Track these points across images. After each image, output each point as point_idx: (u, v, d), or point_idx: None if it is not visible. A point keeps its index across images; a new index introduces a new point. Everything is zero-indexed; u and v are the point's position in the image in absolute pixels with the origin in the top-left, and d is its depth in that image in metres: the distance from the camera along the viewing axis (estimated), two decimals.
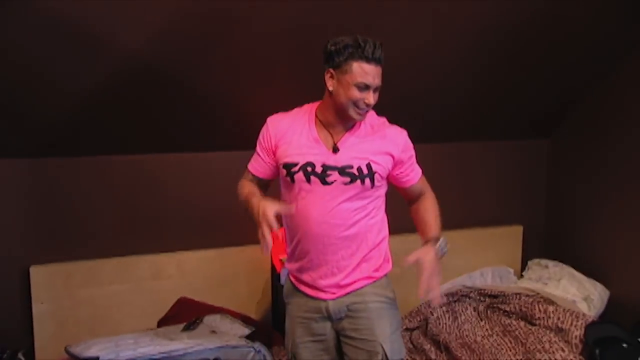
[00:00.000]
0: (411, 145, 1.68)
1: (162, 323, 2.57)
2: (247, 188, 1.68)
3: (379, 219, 1.72)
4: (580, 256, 3.24)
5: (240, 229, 2.68)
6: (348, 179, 1.56)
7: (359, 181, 1.58)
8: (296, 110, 1.68)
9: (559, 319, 2.65)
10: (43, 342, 2.45)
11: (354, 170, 1.56)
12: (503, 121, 3.23)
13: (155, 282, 2.65)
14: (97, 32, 1.91)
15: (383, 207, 1.72)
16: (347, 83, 1.49)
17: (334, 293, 1.66)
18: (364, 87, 1.48)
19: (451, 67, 2.63)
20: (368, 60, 1.47)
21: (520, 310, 2.81)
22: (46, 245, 2.49)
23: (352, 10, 2.13)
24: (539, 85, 3.03)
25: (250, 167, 1.71)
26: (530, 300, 2.84)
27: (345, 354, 1.73)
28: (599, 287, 3.00)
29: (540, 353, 2.43)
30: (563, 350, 2.41)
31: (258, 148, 1.68)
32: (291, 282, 1.77)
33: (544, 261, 3.29)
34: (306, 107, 1.68)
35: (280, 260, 2.63)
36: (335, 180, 1.57)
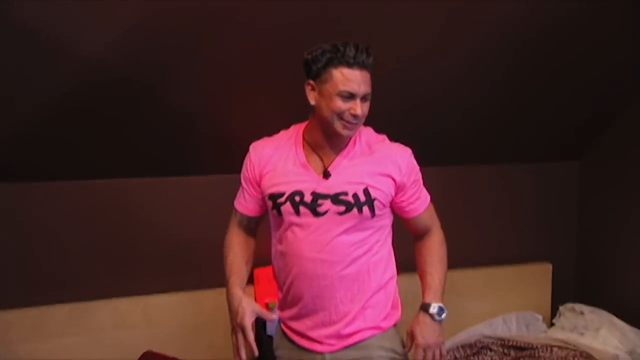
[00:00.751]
0: (417, 167, 1.57)
1: None
2: (230, 251, 1.62)
3: (384, 255, 1.59)
4: (621, 300, 3.01)
5: (218, 267, 2.55)
6: (343, 208, 1.45)
7: (355, 210, 1.45)
8: (282, 133, 1.60)
9: None
10: None
11: (349, 197, 1.45)
12: (525, 140, 3.05)
13: (116, 333, 2.44)
14: (59, 40, 1.73)
15: (389, 240, 1.60)
16: (329, 93, 1.39)
17: (332, 345, 1.54)
18: (348, 96, 1.37)
19: (460, 76, 2.48)
20: (349, 65, 1.36)
21: None
22: None
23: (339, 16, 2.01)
24: (566, 98, 2.84)
25: (236, 204, 1.63)
26: (564, 354, 2.67)
27: None
28: (623, 326, 2.78)
29: None
30: None
31: (242, 180, 1.60)
32: (282, 331, 1.67)
33: (578, 306, 3.04)
34: (292, 128, 1.60)
35: (267, 305, 2.47)
36: (328, 210, 1.45)
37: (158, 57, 1.97)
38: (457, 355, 2.82)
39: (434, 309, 1.51)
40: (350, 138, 1.51)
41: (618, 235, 3.07)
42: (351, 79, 1.37)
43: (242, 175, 1.60)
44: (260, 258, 2.50)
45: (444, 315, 1.52)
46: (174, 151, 2.45)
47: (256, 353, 1.47)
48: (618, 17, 2.29)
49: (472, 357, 2.78)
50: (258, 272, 2.58)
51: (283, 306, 1.66)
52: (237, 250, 1.63)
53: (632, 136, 2.94)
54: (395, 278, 1.63)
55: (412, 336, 1.53)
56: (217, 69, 2.10)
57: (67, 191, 2.40)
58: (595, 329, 2.83)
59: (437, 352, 1.51)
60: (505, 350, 2.80)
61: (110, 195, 2.47)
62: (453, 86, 2.54)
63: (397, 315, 1.63)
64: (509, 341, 2.84)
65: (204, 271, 2.56)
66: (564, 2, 2.16)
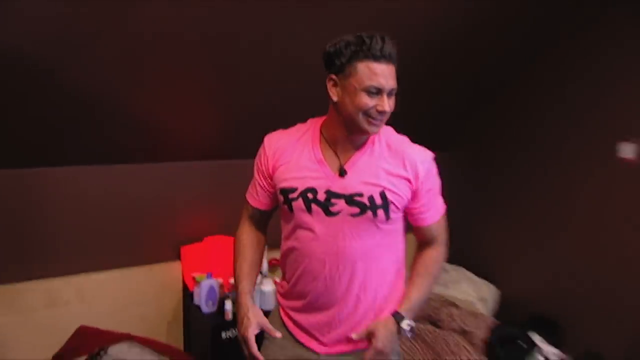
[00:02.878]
0: (436, 174, 1.43)
1: (58, 358, 2.30)
2: (241, 251, 1.52)
3: (396, 260, 1.49)
4: (475, 259, 3.38)
5: (147, 245, 2.65)
6: (357, 210, 1.34)
7: (370, 213, 1.34)
8: (298, 126, 1.47)
9: (462, 321, 2.75)
10: None
11: (365, 199, 1.33)
12: (415, 136, 3.23)
13: (49, 311, 2.39)
14: None
15: (402, 244, 1.49)
16: (354, 88, 1.25)
17: (333, 347, 1.46)
18: (375, 92, 1.25)
19: None
20: (376, 58, 1.23)
21: (428, 315, 2.86)
22: None
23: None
24: (432, 100, 3.07)
25: (248, 196, 1.53)
26: (437, 304, 2.91)
27: None
28: (492, 287, 3.19)
29: (448, 355, 2.50)
30: (468, 352, 2.51)
31: (255, 172, 1.49)
32: (281, 318, 1.54)
33: (445, 265, 3.38)
34: (310, 122, 1.47)
35: (194, 277, 2.56)
36: (341, 211, 1.35)
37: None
38: None
39: (407, 326, 1.39)
40: (370, 136, 1.39)
41: (475, 210, 3.42)
42: (378, 73, 1.24)
43: (255, 167, 1.49)
44: (188, 237, 2.63)
45: (410, 335, 1.43)
46: (98, 139, 2.36)
47: (260, 357, 1.42)
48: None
49: None
50: (184, 249, 2.69)
51: (288, 296, 1.55)
52: (248, 252, 1.53)
53: (485, 133, 3.36)
54: (403, 279, 1.54)
55: (372, 335, 1.39)
56: (125, 55, 1.97)
57: None
58: (458, 282, 3.20)
59: (386, 355, 1.40)
60: None
61: (38, 184, 2.37)
62: None
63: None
64: None
65: (133, 249, 2.61)
66: (445, 18, 2.33)
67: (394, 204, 1.33)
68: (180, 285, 2.69)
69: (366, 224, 1.34)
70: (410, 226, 1.49)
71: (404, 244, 1.47)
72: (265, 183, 1.45)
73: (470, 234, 3.41)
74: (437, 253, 1.48)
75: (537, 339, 2.65)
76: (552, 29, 2.73)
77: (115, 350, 2.24)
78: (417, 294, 1.42)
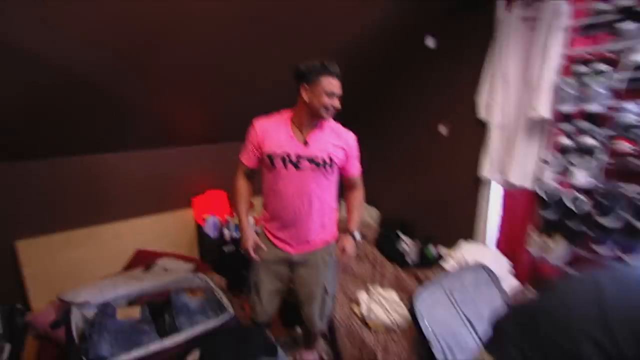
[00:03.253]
0: (357, 146, 1.58)
1: (127, 269, 2.48)
2: (240, 196, 1.59)
3: (334, 198, 1.61)
4: (367, 194, 3.17)
5: (170, 199, 2.75)
6: (315, 166, 1.47)
7: (322, 168, 1.47)
8: (275, 115, 1.54)
9: (362, 229, 2.65)
10: (36, 296, 2.26)
11: (319, 160, 1.46)
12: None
13: (115, 242, 2.54)
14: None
15: (336, 189, 1.61)
16: (319, 92, 1.39)
17: (297, 249, 1.59)
18: (332, 94, 1.40)
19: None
20: (332, 75, 1.39)
21: (342, 227, 3.04)
22: (28, 223, 2.26)
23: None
24: (346, 98, 2.91)
25: (242, 159, 1.57)
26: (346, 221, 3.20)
27: (295, 288, 1.69)
28: (376, 210, 3.36)
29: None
30: (366, 245, 2.71)
31: (248, 143, 1.54)
32: (265, 235, 1.64)
33: None
34: (282, 112, 1.54)
35: (203, 218, 2.71)
36: (305, 167, 1.46)
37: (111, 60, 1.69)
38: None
39: (358, 236, 1.59)
40: (322, 121, 1.48)
41: (366, 162, 3.52)
42: (333, 84, 1.39)
43: (247, 140, 1.53)
44: (195, 191, 2.78)
45: (359, 239, 1.62)
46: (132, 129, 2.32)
47: (258, 258, 1.58)
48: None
49: None
50: (194, 200, 2.80)
51: (270, 221, 1.61)
52: (244, 196, 1.61)
53: (368, 117, 3.29)
54: (337, 211, 1.67)
55: (342, 249, 1.57)
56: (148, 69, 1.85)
57: (74, 165, 2.32)
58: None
59: (352, 258, 1.62)
60: None
61: (94, 167, 2.40)
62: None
63: (336, 234, 1.68)
64: None
65: (163, 202, 2.69)
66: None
67: (335, 163, 1.50)
68: (194, 223, 2.81)
69: (320, 175, 1.49)
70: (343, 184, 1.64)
71: (337, 190, 1.61)
72: (255, 150, 1.52)
73: (364, 179, 3.21)
74: (360, 193, 1.67)
75: (401, 234, 2.80)
76: (410, 52, 2.75)
77: (161, 262, 2.46)
78: (356, 218, 1.62)
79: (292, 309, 1.97)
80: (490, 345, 1.04)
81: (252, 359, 1.49)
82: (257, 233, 1.68)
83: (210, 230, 2.66)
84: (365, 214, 3.32)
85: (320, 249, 1.62)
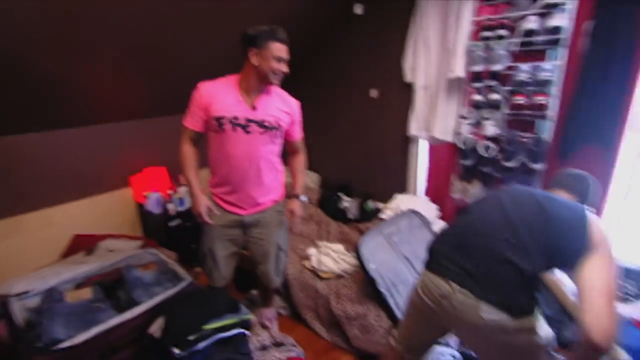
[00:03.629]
0: (300, 112, 1.64)
1: (65, 256, 2.35)
2: (188, 161, 1.56)
3: (279, 161, 1.65)
4: (307, 160, 3.51)
5: (107, 180, 2.62)
6: (263, 129, 1.50)
7: (270, 131, 1.51)
8: (221, 79, 1.52)
9: (305, 194, 3.12)
10: None
11: (267, 123, 1.50)
12: None
13: (47, 230, 2.37)
14: None
15: (281, 151, 1.66)
16: (268, 57, 1.41)
17: (249, 210, 1.63)
18: (280, 60, 1.43)
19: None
20: (281, 41, 1.42)
21: (286, 193, 3.21)
22: None
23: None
24: None
25: (186, 123, 1.54)
26: (289, 188, 3.26)
27: (249, 249, 1.75)
28: (315, 175, 3.47)
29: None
30: (310, 208, 2.86)
31: (193, 107, 1.51)
32: (215, 201, 1.65)
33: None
34: (229, 77, 1.53)
35: (143, 194, 2.64)
36: (254, 130, 1.49)
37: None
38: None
39: (304, 198, 1.70)
40: (268, 87, 1.50)
41: (305, 134, 3.60)
42: (281, 49, 1.41)
43: (192, 103, 1.50)
44: (132, 168, 2.69)
45: (305, 201, 1.73)
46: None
47: (211, 222, 1.58)
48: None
49: None
50: (132, 178, 2.70)
51: (218, 186, 1.62)
52: (192, 161, 1.58)
53: (304, 87, 3.24)
54: (283, 172, 1.72)
55: (291, 212, 1.66)
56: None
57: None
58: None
59: (300, 219, 1.69)
60: None
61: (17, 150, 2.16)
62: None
63: (284, 193, 1.75)
64: None
65: (98, 182, 2.55)
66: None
67: (282, 127, 1.55)
68: (134, 202, 2.72)
69: (267, 138, 1.52)
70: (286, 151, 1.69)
71: (274, 170, 1.64)
72: (201, 113, 1.50)
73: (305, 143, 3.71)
74: (303, 157, 1.75)
75: (342, 195, 3.00)
76: (340, 19, 2.83)
77: (104, 244, 2.33)
78: (300, 182, 1.72)
79: (245, 274, 2.10)
80: (427, 264, 1.27)
81: (216, 317, 1.58)
82: None
83: (153, 207, 2.62)
84: (307, 179, 3.46)
85: (270, 207, 1.68)
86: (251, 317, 1.68)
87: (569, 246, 1.06)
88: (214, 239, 1.65)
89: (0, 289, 1.80)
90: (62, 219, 2.43)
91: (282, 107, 1.56)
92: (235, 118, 1.48)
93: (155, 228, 2.64)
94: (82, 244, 2.34)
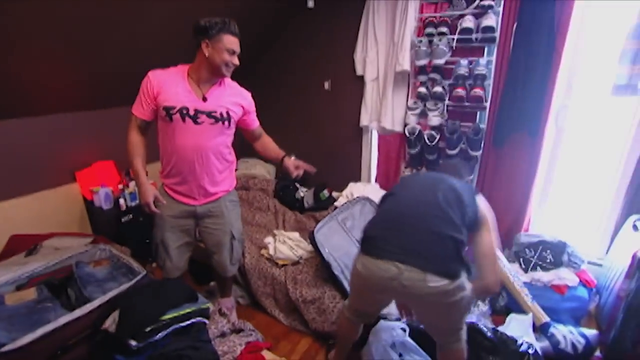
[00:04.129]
0: (253, 102, 1.66)
1: (1, 259, 2.13)
2: (135, 150, 1.54)
3: (231, 152, 1.67)
4: None
5: (51, 175, 2.47)
6: (213, 121, 1.51)
7: (220, 122, 1.52)
8: (172, 68, 1.52)
9: (261, 184, 3.17)
10: None
11: (217, 115, 1.51)
12: None
13: None
14: None
15: (231, 142, 1.67)
16: (220, 49, 1.42)
17: (200, 201, 1.63)
18: (232, 52, 1.44)
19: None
20: (233, 33, 1.43)
21: (241, 185, 3.18)
22: None
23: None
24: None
25: (135, 111, 1.53)
26: (244, 179, 3.25)
27: (203, 240, 1.76)
28: (271, 166, 3.54)
29: (256, 202, 2.97)
30: (266, 198, 2.98)
31: (142, 95, 1.50)
32: (166, 192, 1.64)
33: (244, 159, 3.60)
34: (180, 66, 1.53)
35: (91, 190, 2.55)
36: (204, 122, 1.49)
37: None
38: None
39: (292, 155, 1.74)
40: (220, 78, 1.52)
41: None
42: (233, 42, 1.43)
43: (141, 92, 1.50)
44: (79, 163, 2.57)
45: (293, 158, 1.72)
46: None
47: (159, 212, 1.57)
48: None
49: None
50: (79, 173, 2.57)
51: (168, 176, 1.61)
52: (140, 150, 1.56)
53: (257, 78, 3.39)
54: (235, 163, 1.74)
55: (295, 166, 1.69)
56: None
57: None
58: (254, 165, 3.48)
59: (302, 167, 1.70)
60: None
61: None
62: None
63: (235, 183, 1.77)
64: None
65: (41, 180, 2.40)
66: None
67: (233, 118, 1.56)
68: (81, 198, 2.60)
69: (217, 130, 1.53)
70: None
71: (224, 163, 1.65)
72: (150, 101, 1.49)
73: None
74: (267, 136, 1.80)
75: (297, 185, 3.05)
76: (292, 13, 2.87)
77: (48, 243, 2.18)
78: (278, 149, 1.78)
79: (202, 266, 2.12)
80: (367, 250, 1.35)
81: (174, 307, 1.59)
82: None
83: (102, 202, 2.53)
84: (262, 170, 3.52)
85: (222, 197, 1.69)
86: (210, 305, 1.70)
87: (472, 215, 1.34)
88: (165, 230, 1.65)
89: None
90: (1, 218, 2.27)
91: (233, 99, 1.57)
92: (185, 109, 1.47)
93: (106, 224, 2.53)
94: (21, 245, 2.20)
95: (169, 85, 1.47)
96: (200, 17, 1.44)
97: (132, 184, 2.61)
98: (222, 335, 1.68)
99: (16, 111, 2.19)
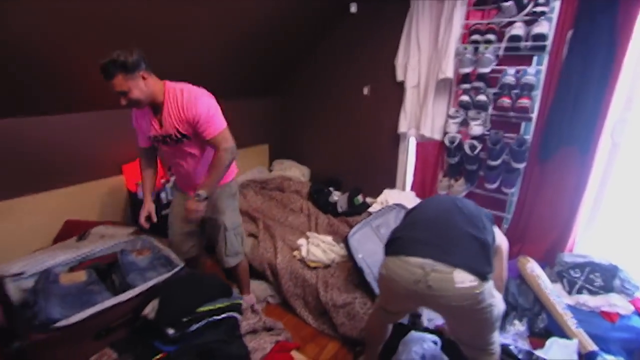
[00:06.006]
0: (204, 109, 1.55)
1: (57, 241, 2.37)
2: (143, 176, 1.81)
3: (208, 157, 1.71)
4: (297, 154, 3.76)
5: (100, 167, 2.63)
6: (173, 141, 1.65)
7: (178, 141, 1.65)
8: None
9: (295, 186, 3.26)
10: None
11: (173, 136, 1.64)
12: (256, 86, 3.41)
13: (37, 215, 2.36)
14: None
15: (209, 151, 1.70)
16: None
17: (191, 192, 1.77)
18: (120, 94, 1.51)
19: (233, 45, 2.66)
20: (106, 79, 1.47)
21: (276, 185, 3.31)
22: None
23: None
24: (270, 70, 3.22)
25: (138, 142, 1.78)
26: (279, 180, 3.36)
27: (205, 225, 1.92)
28: (306, 168, 3.67)
29: (290, 204, 3.04)
30: (300, 200, 3.05)
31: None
32: (175, 184, 1.90)
33: (281, 160, 3.80)
34: None
35: (136, 184, 2.64)
36: (168, 142, 1.67)
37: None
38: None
39: (202, 194, 1.62)
40: (162, 101, 1.58)
41: (296, 127, 3.68)
42: (114, 85, 1.47)
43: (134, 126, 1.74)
44: (126, 157, 2.72)
45: (203, 198, 1.62)
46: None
47: (146, 225, 1.77)
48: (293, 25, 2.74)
49: (244, 189, 3.17)
50: (125, 167, 2.70)
51: (173, 175, 1.89)
52: (144, 171, 1.80)
53: (295, 87, 3.54)
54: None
55: (185, 207, 1.65)
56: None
57: None
58: (290, 168, 3.63)
59: (194, 213, 1.63)
60: (255, 185, 3.34)
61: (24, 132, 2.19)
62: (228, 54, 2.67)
63: (229, 178, 1.84)
64: (255, 180, 3.37)
65: (91, 171, 2.55)
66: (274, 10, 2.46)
67: (186, 133, 1.61)
68: (125, 190, 2.73)
69: (185, 145, 1.68)
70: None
71: (210, 151, 1.69)
72: (139, 133, 1.74)
73: (295, 142, 3.76)
74: (220, 153, 1.61)
75: (332, 189, 3.12)
76: (334, 17, 2.94)
77: (96, 230, 2.33)
78: (207, 180, 1.64)
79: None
80: (394, 251, 1.37)
81: (209, 301, 1.64)
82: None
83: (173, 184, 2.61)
84: (297, 172, 3.58)
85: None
86: (243, 302, 1.75)
87: (490, 239, 1.34)
88: (173, 217, 1.87)
89: None
90: (53, 204, 2.42)
91: (180, 116, 1.59)
92: (154, 136, 1.67)
93: (147, 216, 2.64)
94: (74, 230, 2.36)
95: (140, 119, 1.70)
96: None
97: (172, 179, 2.68)
98: (253, 331, 1.71)
99: (73, 106, 2.35)
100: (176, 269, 1.81)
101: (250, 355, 1.55)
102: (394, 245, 1.36)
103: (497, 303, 1.27)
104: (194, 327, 1.55)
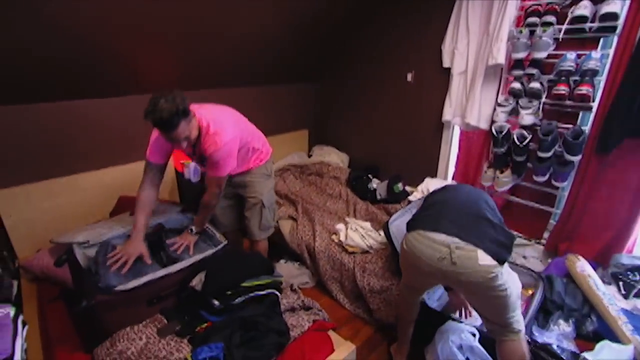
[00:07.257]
0: (218, 156, 1.65)
1: (113, 214, 2.52)
2: (141, 196, 1.79)
3: (250, 147, 1.88)
4: (337, 140, 3.76)
5: (146, 147, 2.74)
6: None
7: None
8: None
9: (334, 171, 3.25)
10: (19, 244, 2.30)
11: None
12: (297, 72, 3.45)
13: (96, 190, 2.55)
14: None
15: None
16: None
17: (235, 170, 1.87)
18: (175, 143, 1.63)
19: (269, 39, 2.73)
20: (160, 131, 1.56)
21: (315, 171, 3.33)
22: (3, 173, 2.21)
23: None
24: (311, 55, 3.28)
25: (148, 156, 1.81)
26: (319, 165, 3.39)
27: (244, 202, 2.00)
28: (345, 155, 3.64)
29: (329, 189, 3.06)
30: (339, 186, 3.05)
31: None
32: None
33: (320, 146, 3.82)
34: None
35: (182, 162, 2.75)
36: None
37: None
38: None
39: (193, 230, 1.81)
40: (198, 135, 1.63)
41: (334, 114, 3.68)
42: (166, 137, 1.57)
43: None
44: None
45: (194, 233, 1.81)
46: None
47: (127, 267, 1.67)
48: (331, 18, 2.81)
49: (284, 174, 3.23)
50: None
51: None
52: (146, 190, 1.81)
53: (335, 74, 3.52)
54: (269, 152, 2.01)
55: (179, 238, 1.78)
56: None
57: (44, 113, 2.23)
58: (329, 154, 3.62)
59: (184, 245, 1.76)
60: (295, 169, 3.37)
61: (67, 115, 2.32)
62: (263, 46, 2.74)
63: (268, 155, 1.99)
64: (296, 164, 3.41)
65: (140, 151, 2.59)
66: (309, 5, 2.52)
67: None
68: (173, 169, 2.83)
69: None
70: None
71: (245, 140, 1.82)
72: (159, 148, 1.77)
73: (334, 128, 3.76)
74: (206, 197, 1.79)
75: (370, 176, 3.07)
76: (378, 2, 2.91)
77: None
78: (197, 219, 1.83)
79: (272, 245, 2.22)
80: (421, 226, 1.41)
81: (253, 276, 1.72)
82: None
83: (191, 175, 2.73)
84: (336, 158, 3.58)
85: (248, 171, 1.91)
86: (283, 280, 1.81)
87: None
88: None
89: (64, 237, 1.99)
90: (111, 180, 2.60)
91: (203, 148, 1.68)
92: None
93: (193, 195, 2.67)
94: (127, 205, 2.49)
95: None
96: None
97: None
98: (292, 309, 1.77)
99: (126, 89, 2.47)
100: (219, 247, 1.90)
101: (289, 331, 1.60)
102: (420, 220, 1.43)
103: (512, 285, 1.33)
104: (238, 300, 1.62)
